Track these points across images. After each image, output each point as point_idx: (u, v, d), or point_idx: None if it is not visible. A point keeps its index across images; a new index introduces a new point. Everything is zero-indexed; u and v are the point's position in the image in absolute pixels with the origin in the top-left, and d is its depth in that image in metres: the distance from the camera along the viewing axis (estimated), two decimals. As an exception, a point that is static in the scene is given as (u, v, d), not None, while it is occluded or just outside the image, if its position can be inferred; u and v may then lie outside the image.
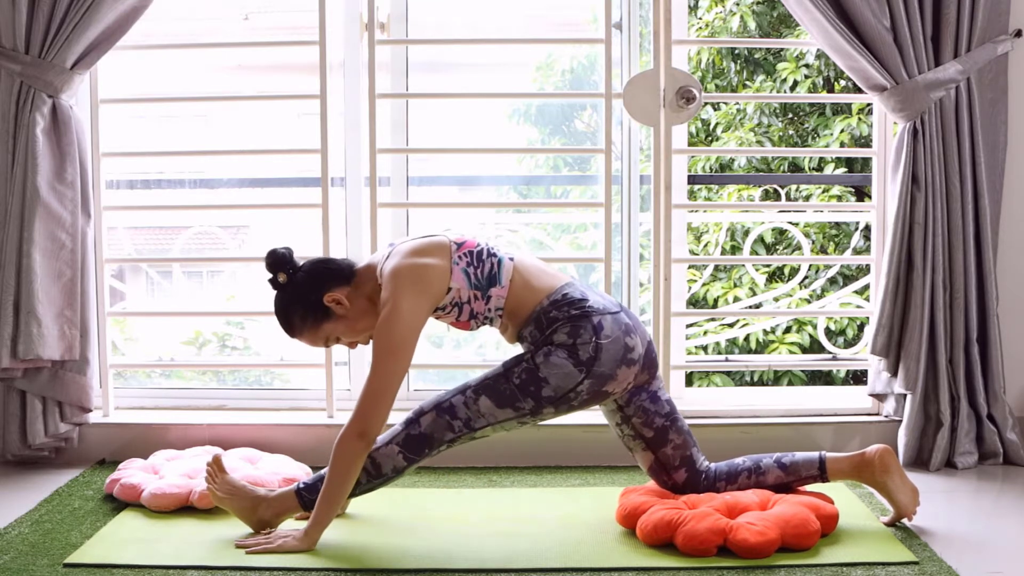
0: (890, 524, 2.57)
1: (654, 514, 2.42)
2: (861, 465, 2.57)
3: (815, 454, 2.62)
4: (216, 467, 2.54)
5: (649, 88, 3.18)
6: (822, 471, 2.60)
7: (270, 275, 2.50)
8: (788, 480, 2.61)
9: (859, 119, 6.46)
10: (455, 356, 4.63)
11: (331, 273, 2.49)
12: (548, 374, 2.42)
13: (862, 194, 6.73)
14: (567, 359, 2.42)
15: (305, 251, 3.36)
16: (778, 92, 6.66)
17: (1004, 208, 3.21)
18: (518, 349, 2.60)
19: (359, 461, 2.38)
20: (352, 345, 2.57)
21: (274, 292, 2.51)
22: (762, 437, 3.19)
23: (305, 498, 2.49)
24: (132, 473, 2.85)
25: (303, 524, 2.46)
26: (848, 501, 2.72)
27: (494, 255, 2.50)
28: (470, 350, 4.67)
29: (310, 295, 2.46)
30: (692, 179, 4.21)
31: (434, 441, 2.46)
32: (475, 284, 2.47)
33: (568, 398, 2.44)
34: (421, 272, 2.42)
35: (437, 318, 2.52)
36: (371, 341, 2.54)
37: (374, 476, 2.47)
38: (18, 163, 3.03)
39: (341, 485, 2.38)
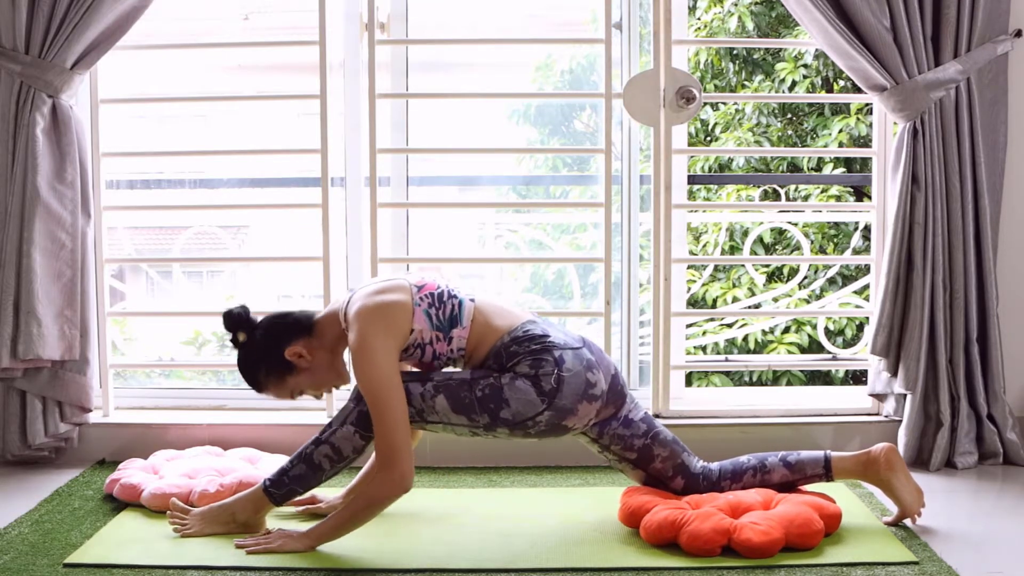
0: (894, 523, 2.57)
1: (658, 514, 2.42)
2: (867, 464, 2.57)
3: (820, 453, 2.62)
4: (177, 512, 2.55)
5: (649, 88, 3.18)
6: (827, 470, 2.60)
7: (230, 335, 2.53)
8: (793, 479, 2.61)
9: (858, 119, 6.46)
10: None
11: (289, 327, 2.50)
12: (511, 396, 2.41)
13: (861, 194, 6.74)
14: (531, 387, 2.41)
15: (306, 251, 3.39)
16: (777, 92, 6.67)
17: (1004, 208, 3.22)
18: None
19: (390, 504, 2.37)
20: (318, 396, 2.60)
21: (235, 352, 2.54)
22: (762, 437, 3.19)
23: (274, 495, 2.48)
24: (132, 473, 2.84)
25: (305, 525, 2.46)
26: (848, 501, 2.72)
27: (454, 296, 2.50)
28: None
29: (271, 351, 2.48)
30: (692, 179, 4.22)
31: None
32: (437, 325, 2.47)
33: (525, 425, 2.43)
34: (386, 309, 2.42)
35: (400, 361, 2.51)
36: (336, 388, 2.59)
37: (336, 460, 2.45)
38: (18, 163, 3.03)
39: (363, 522, 2.38)
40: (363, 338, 2.38)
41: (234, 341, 2.53)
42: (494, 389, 2.42)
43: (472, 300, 2.53)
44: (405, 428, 2.36)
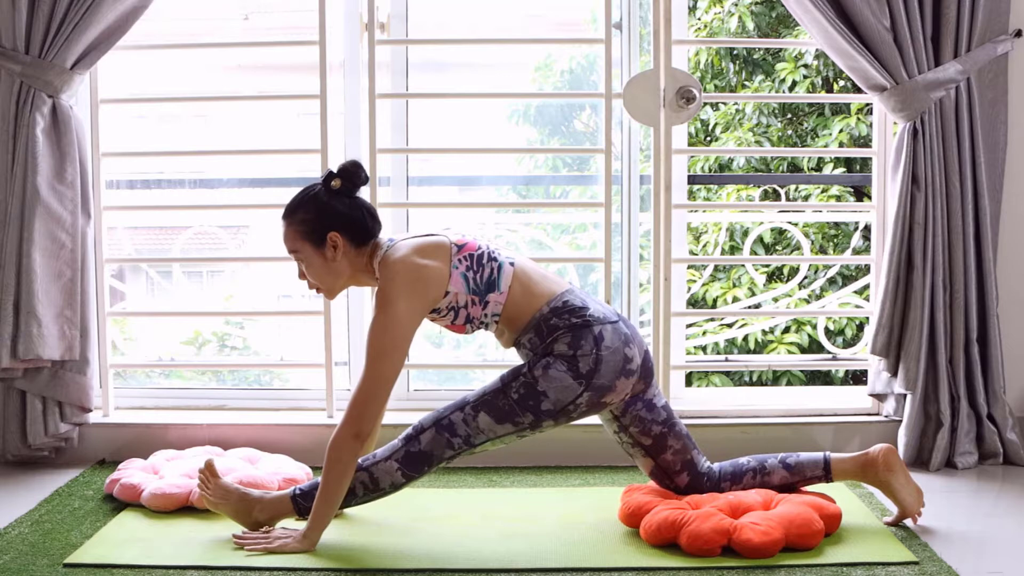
0: (894, 524, 2.57)
1: (658, 514, 2.42)
2: (866, 465, 2.58)
3: (819, 454, 2.62)
4: (209, 472, 2.53)
5: (649, 88, 3.18)
6: (827, 471, 2.60)
7: (331, 173, 2.46)
8: (793, 480, 2.61)
9: (858, 119, 6.46)
10: (455, 356, 4.64)
11: (356, 226, 2.46)
12: (547, 387, 2.41)
13: (861, 194, 6.74)
14: (566, 372, 2.41)
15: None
16: (777, 92, 6.67)
17: (1004, 208, 3.21)
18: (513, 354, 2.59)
19: (354, 461, 2.38)
20: (310, 285, 2.53)
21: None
22: (762, 437, 3.19)
23: (300, 504, 2.48)
24: (132, 473, 2.84)
25: (303, 524, 2.46)
26: (848, 501, 2.72)
27: (495, 259, 2.48)
28: (470, 350, 4.67)
29: (326, 217, 2.44)
30: (692, 179, 4.21)
31: (433, 458, 2.45)
32: (473, 289, 2.45)
33: (567, 410, 2.44)
34: (419, 273, 2.41)
35: (432, 320, 2.51)
36: (327, 296, 2.53)
37: (371, 490, 2.47)
38: (18, 163, 3.03)
39: (338, 486, 2.38)
40: (388, 295, 2.37)
41: (328, 177, 2.46)
42: (528, 387, 2.42)
43: (512, 264, 2.50)
44: (386, 392, 2.37)
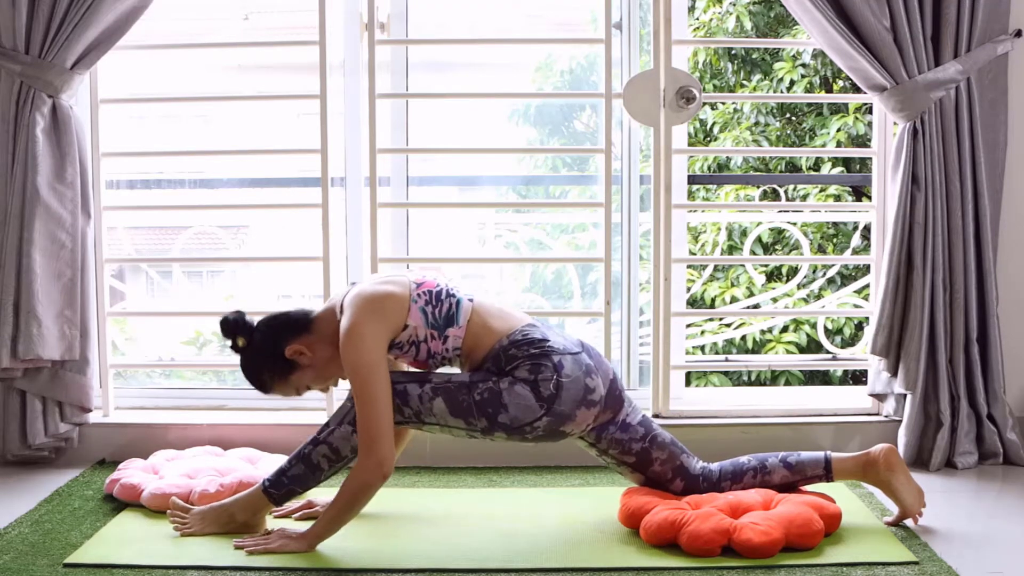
0: (894, 524, 2.57)
1: (658, 514, 2.42)
2: (866, 465, 2.58)
3: (820, 454, 2.62)
4: (177, 511, 2.56)
5: (649, 88, 3.18)
6: (827, 471, 2.60)
7: (229, 342, 2.52)
8: (793, 480, 2.61)
9: (856, 118, 6.47)
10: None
11: (286, 326, 2.51)
12: (510, 402, 2.41)
13: (860, 194, 6.74)
14: (530, 393, 2.41)
15: (306, 251, 3.39)
16: (775, 92, 6.67)
17: (1004, 208, 3.22)
18: None
19: (375, 491, 2.38)
20: (324, 389, 2.61)
21: (237, 357, 2.54)
22: (762, 437, 3.19)
23: (273, 494, 2.48)
24: (132, 473, 2.84)
25: (303, 526, 2.46)
26: (848, 501, 2.72)
27: (452, 295, 2.51)
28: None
29: (272, 352, 2.49)
30: (691, 179, 4.22)
31: None
32: (432, 323, 2.47)
33: (523, 430, 2.44)
34: (380, 299, 2.44)
35: (396, 358, 2.53)
36: (343, 380, 2.58)
37: (335, 460, 2.46)
38: (18, 163, 3.03)
39: (351, 512, 2.39)
40: (353, 323, 2.39)
41: (234, 347, 2.53)
42: (493, 393, 2.42)
43: (471, 300, 2.53)
44: (388, 414, 2.37)
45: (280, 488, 2.47)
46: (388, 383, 2.38)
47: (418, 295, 2.48)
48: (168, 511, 2.58)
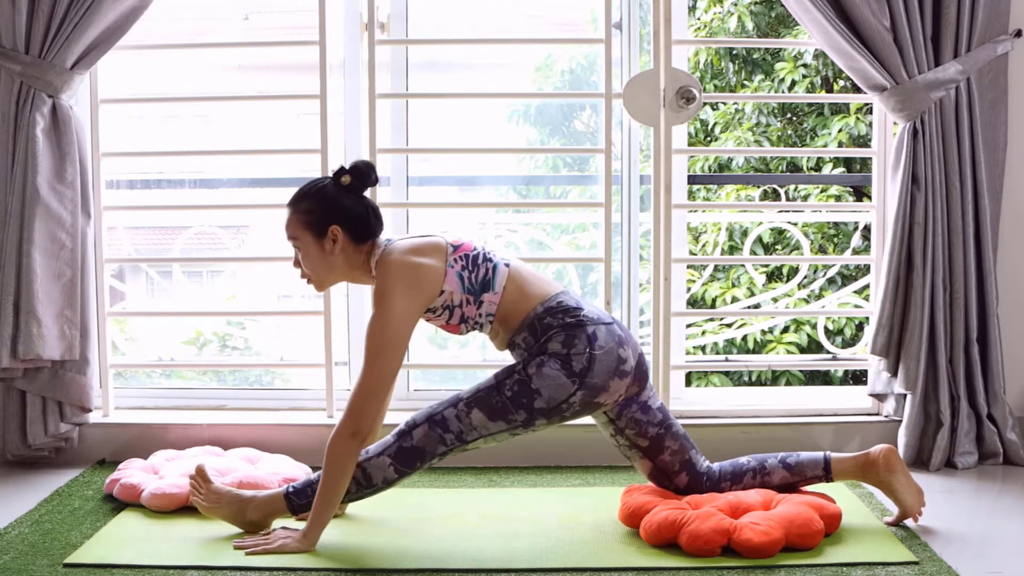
0: (894, 524, 2.57)
1: (658, 514, 2.42)
2: (866, 465, 2.58)
3: (820, 454, 2.62)
4: (200, 478, 2.55)
5: (649, 88, 3.18)
6: (827, 471, 2.60)
7: (343, 168, 2.48)
8: (793, 480, 2.61)
9: (857, 118, 6.46)
10: (457, 356, 4.63)
11: (359, 222, 2.47)
12: (540, 385, 2.42)
13: (861, 194, 6.74)
14: (560, 370, 2.41)
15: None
16: (776, 92, 6.67)
17: (1004, 208, 3.21)
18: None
19: (353, 459, 2.39)
20: (303, 274, 2.53)
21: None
22: (762, 437, 3.19)
23: (293, 502, 2.49)
24: (132, 473, 2.85)
25: (302, 524, 2.46)
26: (848, 501, 2.72)
27: (490, 260, 2.50)
28: (473, 348, 4.66)
29: (330, 210, 2.45)
30: (692, 179, 4.22)
31: (426, 454, 2.45)
32: (468, 288, 2.46)
33: (560, 409, 2.44)
34: (415, 271, 2.42)
35: (427, 320, 2.52)
36: (316, 288, 2.54)
37: (364, 486, 2.47)
38: (18, 163, 3.03)
39: (337, 484, 2.39)
40: (385, 293, 2.39)
41: (339, 173, 2.48)
42: (522, 384, 2.42)
43: (507, 265, 2.52)
44: (385, 390, 2.39)
45: (302, 498, 2.48)
46: (400, 361, 2.40)
47: (455, 259, 2.46)
48: (191, 476, 2.56)
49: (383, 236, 2.54)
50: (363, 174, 2.48)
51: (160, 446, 3.17)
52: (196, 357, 4.92)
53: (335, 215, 2.45)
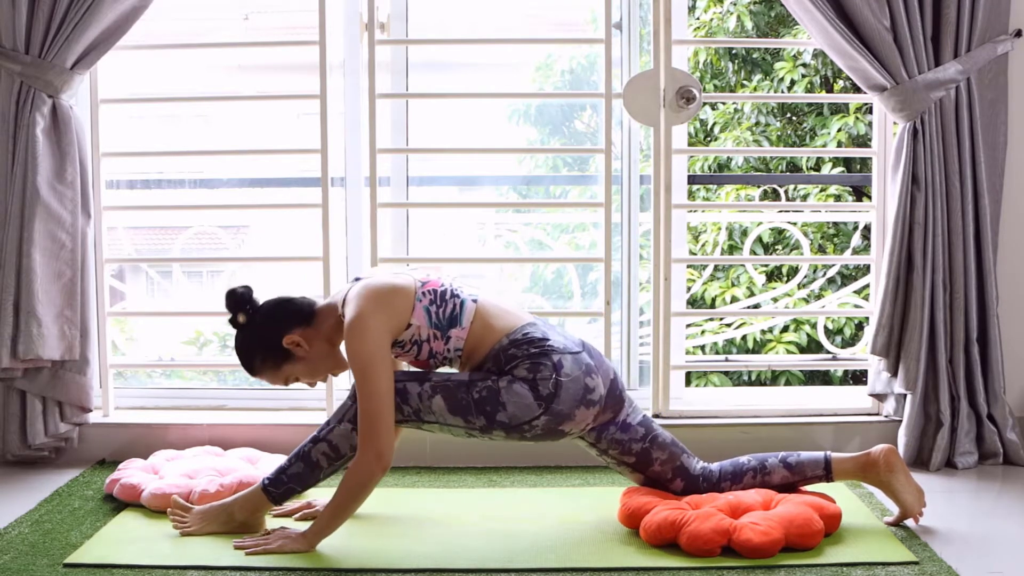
0: (895, 524, 2.57)
1: (658, 514, 2.42)
2: (866, 465, 2.57)
3: (820, 454, 2.62)
4: (178, 509, 2.56)
5: (649, 88, 3.18)
6: (827, 471, 2.60)
7: (229, 315, 2.51)
8: (793, 480, 2.61)
9: (856, 118, 6.47)
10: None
11: (290, 314, 2.49)
12: (508, 400, 2.41)
13: (860, 194, 6.74)
14: (528, 391, 2.41)
15: (306, 251, 3.38)
16: (776, 92, 6.67)
17: (1004, 208, 3.22)
18: None
19: (376, 483, 2.37)
20: (311, 384, 2.58)
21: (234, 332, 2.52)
22: (762, 437, 3.19)
23: (272, 493, 2.48)
24: (132, 473, 2.84)
25: (303, 526, 2.46)
26: (848, 501, 2.72)
27: (457, 296, 2.50)
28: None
29: (269, 337, 2.47)
30: (692, 179, 4.22)
31: None
32: (435, 323, 2.46)
33: (521, 429, 2.43)
34: (386, 292, 2.43)
35: (396, 356, 2.52)
36: (334, 376, 2.60)
37: (334, 458, 2.46)
38: (18, 163, 3.03)
39: (353, 505, 2.38)
40: (358, 314, 2.38)
41: (233, 321, 2.51)
42: (491, 392, 2.42)
43: (475, 301, 2.52)
44: (389, 407, 2.36)
45: (279, 486, 2.48)
46: (391, 376, 2.38)
47: (423, 294, 2.47)
48: (168, 510, 2.58)
49: (346, 283, 2.57)
50: (238, 298, 2.49)
51: (160, 446, 3.17)
52: (196, 357, 4.92)
53: (274, 336, 2.47)
